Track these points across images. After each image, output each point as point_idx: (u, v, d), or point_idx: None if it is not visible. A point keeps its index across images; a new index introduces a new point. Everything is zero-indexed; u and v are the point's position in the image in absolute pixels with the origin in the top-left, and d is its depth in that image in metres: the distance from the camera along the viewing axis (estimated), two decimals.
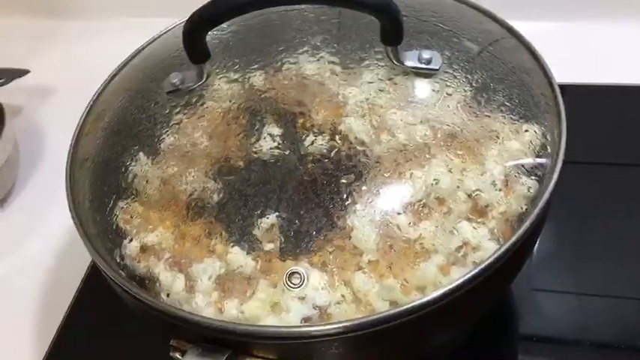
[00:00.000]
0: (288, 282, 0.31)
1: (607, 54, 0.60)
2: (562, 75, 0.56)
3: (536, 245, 0.48)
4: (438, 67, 0.35)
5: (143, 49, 0.43)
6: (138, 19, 0.68)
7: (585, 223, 0.49)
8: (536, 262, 0.47)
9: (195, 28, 0.33)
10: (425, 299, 0.30)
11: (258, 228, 0.33)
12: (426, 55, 0.35)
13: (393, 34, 0.34)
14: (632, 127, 0.55)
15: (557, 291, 0.46)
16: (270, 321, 0.32)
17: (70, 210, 0.36)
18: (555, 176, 0.33)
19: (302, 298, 0.31)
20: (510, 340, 0.44)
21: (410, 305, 0.30)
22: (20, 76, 0.62)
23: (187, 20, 0.34)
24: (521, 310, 0.45)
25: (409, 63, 0.35)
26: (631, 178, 0.52)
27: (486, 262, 0.30)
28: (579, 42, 0.62)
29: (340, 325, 0.30)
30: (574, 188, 0.51)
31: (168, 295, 0.33)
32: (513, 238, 0.31)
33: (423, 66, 0.35)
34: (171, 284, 0.33)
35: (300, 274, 0.31)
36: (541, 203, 0.32)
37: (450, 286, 0.30)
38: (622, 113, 0.56)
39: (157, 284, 0.33)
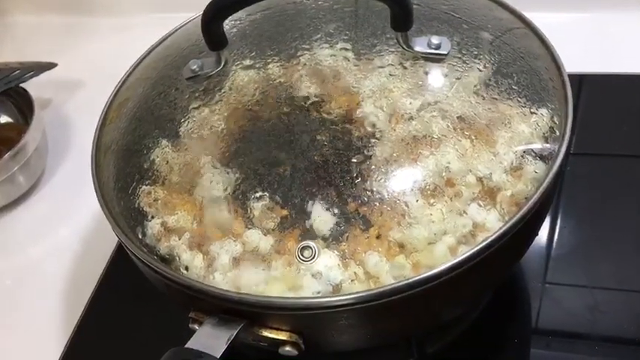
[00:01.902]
0: (300, 255, 0.33)
1: (622, 44, 0.60)
2: (577, 65, 0.57)
3: (553, 238, 0.48)
4: (446, 52, 0.36)
5: (165, 39, 0.45)
6: (163, 14, 0.70)
7: (600, 216, 0.49)
8: (549, 256, 0.47)
9: (213, 15, 0.35)
10: (431, 272, 0.31)
11: (273, 208, 0.34)
12: (436, 40, 0.36)
13: (402, 20, 0.35)
14: None
15: (570, 284, 0.46)
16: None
17: (96, 192, 0.38)
18: (561, 157, 0.34)
19: (316, 276, 0.33)
20: (523, 334, 0.44)
21: (418, 277, 0.31)
22: (49, 69, 0.65)
23: (205, 8, 0.35)
24: (534, 304, 0.45)
25: (419, 48, 0.36)
26: None
27: (489, 239, 0.31)
28: (594, 32, 0.62)
29: (352, 296, 0.31)
30: (589, 180, 0.51)
31: (187, 270, 0.34)
32: (517, 217, 0.32)
33: (433, 51, 0.36)
34: (191, 262, 0.35)
35: (311, 247, 0.33)
36: (545, 183, 0.33)
37: (456, 261, 0.31)
38: (638, 103, 0.56)
39: (178, 261, 0.35)
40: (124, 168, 0.39)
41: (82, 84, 0.70)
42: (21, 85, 0.62)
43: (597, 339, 0.43)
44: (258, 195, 0.34)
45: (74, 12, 0.78)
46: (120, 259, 0.52)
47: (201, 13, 0.36)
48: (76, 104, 0.68)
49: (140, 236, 0.36)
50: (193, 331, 0.33)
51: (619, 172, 0.52)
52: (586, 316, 0.44)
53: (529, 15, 0.41)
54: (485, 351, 0.43)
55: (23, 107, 0.62)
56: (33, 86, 0.62)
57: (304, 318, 0.32)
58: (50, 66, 0.65)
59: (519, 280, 0.47)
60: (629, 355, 0.42)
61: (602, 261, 0.46)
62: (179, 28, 0.46)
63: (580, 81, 0.58)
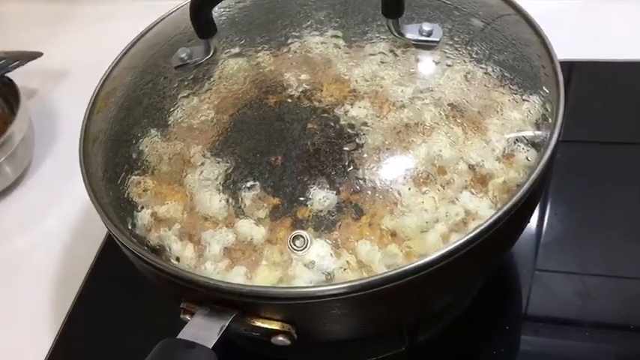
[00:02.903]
0: (292, 245, 0.33)
1: (612, 31, 0.61)
2: (567, 52, 0.57)
3: (543, 225, 0.49)
4: (438, 40, 0.36)
5: (153, 27, 0.45)
6: (149, 1, 0.69)
7: (590, 202, 0.49)
8: (540, 243, 0.48)
9: (202, 2, 0.35)
10: (423, 261, 0.31)
11: (265, 197, 0.34)
12: (427, 27, 0.36)
13: (393, 7, 0.35)
14: (638, 105, 0.55)
15: (561, 271, 0.46)
16: None
17: (84, 182, 0.37)
18: (552, 144, 0.34)
19: (308, 265, 0.33)
20: (514, 320, 0.45)
21: (409, 266, 0.31)
22: (34, 59, 0.64)
23: None
24: (525, 291, 0.46)
25: (410, 35, 0.36)
26: (637, 157, 0.52)
27: (481, 228, 0.31)
28: (584, 19, 0.62)
29: (343, 285, 0.31)
30: (579, 167, 0.52)
31: (178, 260, 0.34)
32: (508, 205, 0.32)
33: (424, 38, 0.36)
34: (181, 252, 0.34)
35: (303, 237, 0.33)
36: (537, 171, 0.33)
37: (448, 249, 0.31)
38: (628, 90, 0.56)
39: (168, 252, 0.35)
40: (113, 158, 0.38)
41: (68, 73, 0.69)
42: (6, 74, 0.61)
43: (588, 325, 0.43)
44: (249, 184, 0.34)
45: (59, 0, 0.77)
46: (110, 250, 0.51)
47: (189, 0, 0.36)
48: (62, 93, 0.67)
49: (130, 227, 0.36)
50: (185, 322, 0.33)
51: (609, 159, 0.52)
52: (576, 302, 0.44)
53: (520, 2, 0.41)
54: (477, 338, 0.44)
55: (9, 97, 0.61)
56: (19, 76, 0.61)
57: (296, 307, 0.32)
58: (36, 55, 0.64)
59: (510, 268, 0.47)
60: (619, 340, 0.43)
61: (592, 247, 0.47)
62: (167, 16, 0.45)
63: (570, 68, 0.58)
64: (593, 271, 0.45)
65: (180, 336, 0.31)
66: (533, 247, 0.47)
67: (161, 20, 0.45)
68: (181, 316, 0.34)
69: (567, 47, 0.57)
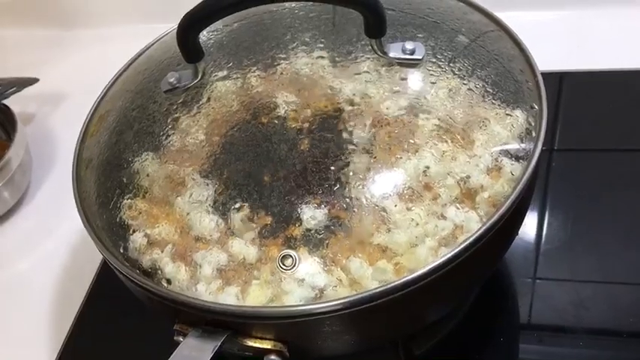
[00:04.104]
0: (282, 264, 0.33)
1: (600, 41, 0.61)
2: (558, 63, 0.57)
3: (539, 234, 0.49)
4: (421, 57, 0.37)
5: (143, 52, 0.45)
6: (143, 25, 0.69)
7: (586, 209, 0.49)
8: (538, 251, 0.48)
9: (188, 27, 0.35)
10: (412, 276, 0.31)
11: (254, 217, 0.34)
12: (410, 46, 0.37)
13: (376, 27, 0.36)
14: (629, 112, 0.55)
15: (557, 279, 0.46)
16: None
17: (77, 207, 0.38)
18: (536, 158, 0.34)
19: (298, 284, 0.33)
20: (511, 330, 0.45)
21: (399, 281, 0.31)
22: (31, 84, 0.65)
23: (180, 21, 0.36)
24: (522, 300, 0.46)
25: (393, 54, 0.37)
26: (630, 163, 0.52)
27: (469, 241, 0.32)
28: (572, 30, 0.63)
29: (334, 303, 0.31)
30: (575, 175, 0.52)
31: (169, 283, 0.35)
32: (495, 218, 0.32)
33: (407, 56, 0.37)
34: (174, 274, 0.35)
35: (292, 256, 0.33)
36: (521, 183, 0.33)
37: (436, 263, 0.31)
38: (619, 98, 0.57)
39: (161, 274, 0.35)
40: (105, 182, 0.39)
41: (65, 97, 0.70)
42: (2, 101, 0.62)
43: (586, 333, 0.43)
44: (238, 205, 0.35)
45: (53, 24, 0.78)
46: (108, 271, 0.50)
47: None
48: (59, 118, 0.68)
49: (123, 250, 0.37)
50: (178, 343, 0.33)
51: (603, 165, 0.53)
52: (574, 310, 0.44)
53: (509, 15, 0.41)
54: (473, 349, 0.44)
55: (5, 124, 0.61)
56: (15, 102, 0.62)
57: (288, 326, 0.32)
58: (32, 81, 0.65)
59: (507, 277, 0.47)
60: (616, 347, 0.43)
61: (589, 255, 0.47)
62: (157, 40, 0.46)
63: (561, 79, 0.59)
64: (589, 278, 0.46)
65: (173, 357, 0.32)
66: (531, 255, 0.48)
67: (152, 44, 0.46)
68: (175, 337, 0.34)
69: (557, 58, 0.58)
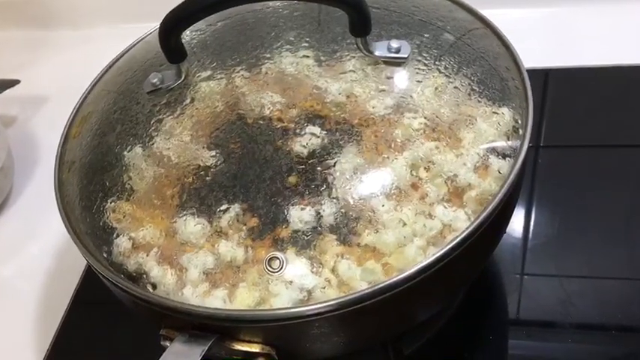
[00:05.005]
0: (269, 267, 0.33)
1: (584, 37, 0.61)
2: (543, 60, 0.58)
3: (527, 230, 0.49)
4: (406, 56, 0.37)
5: (126, 52, 0.45)
6: (126, 25, 0.69)
7: (573, 205, 0.50)
8: (524, 247, 0.48)
9: (170, 27, 0.35)
10: (401, 276, 0.31)
11: (240, 219, 0.34)
12: (395, 44, 0.37)
13: (361, 26, 0.35)
14: (614, 108, 0.56)
15: (545, 275, 0.47)
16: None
17: (60, 211, 0.37)
18: (522, 155, 0.34)
19: (286, 286, 0.33)
20: (500, 327, 0.45)
21: (387, 282, 0.31)
22: (12, 86, 0.64)
23: (162, 21, 0.35)
24: (510, 296, 0.46)
25: (379, 53, 0.37)
26: (616, 159, 0.53)
27: (457, 240, 0.32)
28: (558, 27, 0.63)
29: (321, 305, 0.31)
30: (560, 171, 0.52)
31: (155, 288, 0.34)
32: (483, 216, 0.32)
33: (393, 55, 0.37)
34: (159, 277, 0.34)
35: (279, 258, 0.33)
36: (509, 181, 0.33)
37: (425, 263, 0.31)
38: (604, 94, 0.57)
39: (147, 278, 0.35)
40: (88, 185, 0.38)
41: (47, 99, 0.69)
42: None
43: (574, 327, 0.43)
44: (224, 207, 0.34)
45: (34, 25, 0.76)
46: (92, 275, 0.50)
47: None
48: (41, 120, 0.67)
49: (107, 255, 0.36)
50: (165, 348, 0.33)
51: (589, 161, 0.53)
52: (562, 305, 0.44)
53: (495, 12, 0.41)
54: (462, 347, 0.44)
55: None
56: None
57: (275, 329, 0.32)
58: (13, 83, 0.64)
59: (495, 273, 0.47)
60: (605, 342, 0.43)
61: (576, 250, 0.47)
62: (140, 40, 0.45)
63: (547, 75, 0.59)
64: (576, 274, 0.46)
65: None
66: (516, 252, 0.48)
67: (135, 44, 0.45)
68: (161, 342, 0.33)
69: (543, 55, 0.58)
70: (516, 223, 0.49)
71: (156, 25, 0.43)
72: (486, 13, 0.41)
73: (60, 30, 0.76)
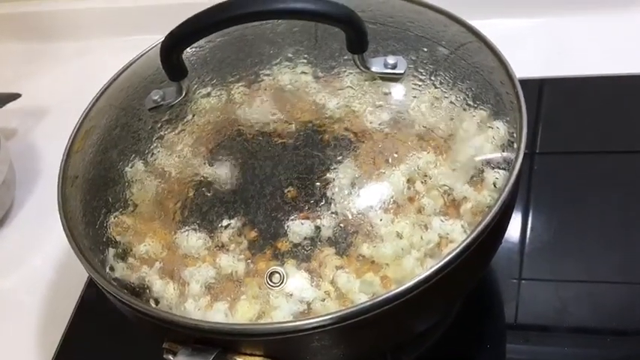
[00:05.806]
0: (269, 281, 0.33)
1: (579, 47, 0.62)
2: (538, 70, 0.58)
3: (524, 237, 0.49)
4: (403, 72, 0.37)
5: (127, 67, 0.45)
6: (126, 37, 0.70)
7: (569, 211, 0.50)
8: (521, 254, 0.48)
9: (171, 46, 0.35)
10: (399, 289, 0.31)
11: (240, 234, 0.34)
12: (391, 60, 0.37)
13: (357, 43, 0.36)
14: (608, 115, 0.56)
15: (542, 280, 0.47)
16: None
17: (63, 225, 0.38)
18: (517, 168, 0.35)
19: (286, 299, 0.33)
20: (498, 333, 0.45)
21: (386, 295, 0.31)
22: (13, 100, 0.64)
23: (163, 39, 0.36)
24: (508, 302, 0.46)
25: (375, 69, 0.37)
26: (610, 165, 0.53)
27: (455, 252, 0.32)
28: (551, 37, 0.64)
29: (321, 318, 0.31)
30: (556, 177, 0.53)
31: (157, 302, 0.35)
32: (479, 228, 0.33)
33: (389, 71, 0.37)
34: (161, 291, 0.35)
35: (279, 272, 0.33)
36: (504, 193, 0.34)
37: (423, 275, 0.32)
38: (598, 102, 0.58)
39: (150, 292, 0.35)
40: (91, 201, 0.39)
41: (48, 111, 0.70)
42: None
43: (571, 332, 0.44)
44: (224, 222, 0.35)
45: (34, 38, 0.77)
46: (95, 288, 0.51)
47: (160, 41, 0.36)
48: (42, 133, 0.67)
49: (109, 270, 0.37)
50: None
51: (584, 167, 0.54)
52: (559, 310, 0.45)
53: (489, 22, 0.41)
54: (462, 353, 0.44)
55: None
56: None
57: (277, 342, 0.32)
58: (14, 97, 0.64)
59: (492, 279, 0.48)
60: (602, 346, 0.44)
61: (573, 255, 0.47)
62: (141, 56, 0.46)
63: (541, 85, 0.60)
64: (573, 278, 0.46)
65: None
66: (513, 257, 0.48)
67: (136, 60, 0.46)
68: (164, 355, 0.34)
69: (537, 65, 0.59)
70: (513, 230, 0.50)
71: (156, 37, 0.44)
72: (481, 23, 0.42)
73: (60, 42, 0.76)
